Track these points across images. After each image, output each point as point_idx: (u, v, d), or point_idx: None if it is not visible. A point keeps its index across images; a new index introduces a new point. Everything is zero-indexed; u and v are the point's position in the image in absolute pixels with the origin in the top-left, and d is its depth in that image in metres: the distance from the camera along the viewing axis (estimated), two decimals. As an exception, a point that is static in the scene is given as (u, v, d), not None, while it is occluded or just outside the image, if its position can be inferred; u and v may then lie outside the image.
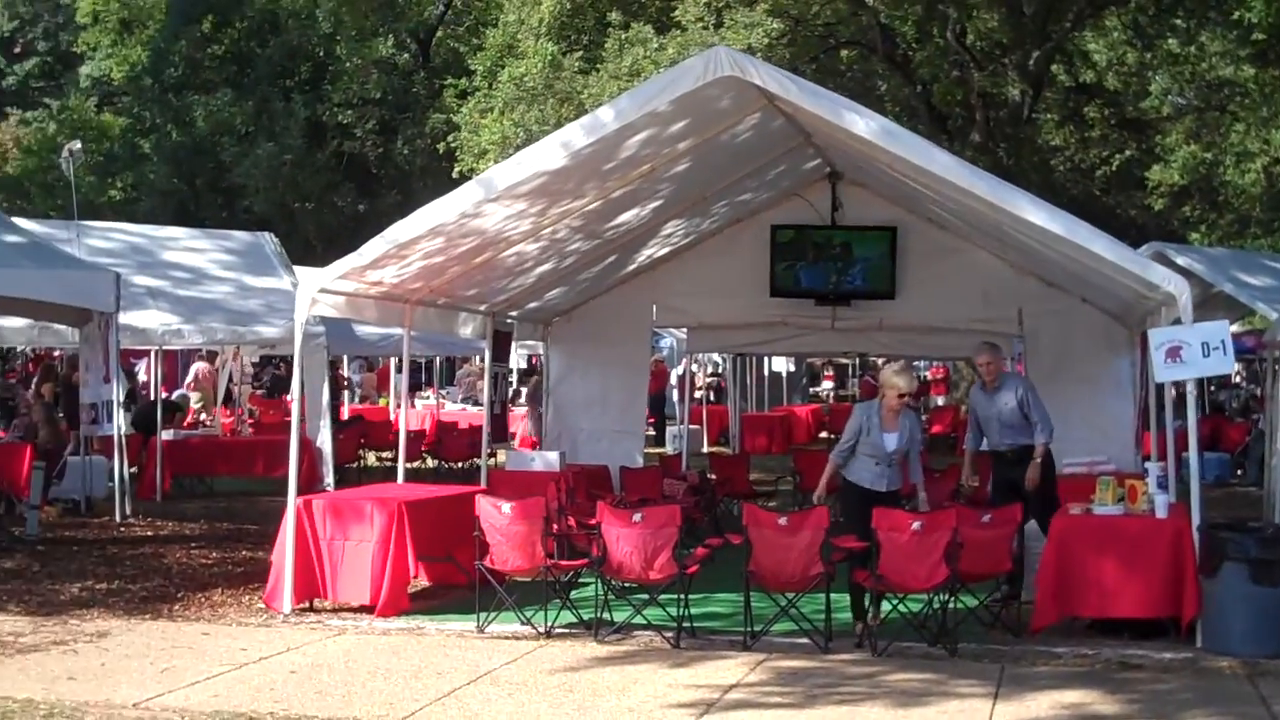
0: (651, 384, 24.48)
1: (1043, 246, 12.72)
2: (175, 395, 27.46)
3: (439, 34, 45.50)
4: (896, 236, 16.66)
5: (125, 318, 18.67)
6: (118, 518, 18.02)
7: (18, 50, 58.32)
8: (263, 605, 12.43)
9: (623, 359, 17.99)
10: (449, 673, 10.01)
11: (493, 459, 17.80)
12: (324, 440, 20.71)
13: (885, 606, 11.33)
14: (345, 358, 34.01)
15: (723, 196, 16.17)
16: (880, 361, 29.24)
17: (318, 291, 12.58)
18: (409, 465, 15.30)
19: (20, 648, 10.68)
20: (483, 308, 16.32)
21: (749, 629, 11.11)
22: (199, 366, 29.00)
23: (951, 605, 11.09)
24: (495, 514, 11.64)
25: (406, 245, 12.42)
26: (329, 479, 20.19)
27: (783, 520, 11.21)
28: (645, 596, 11.53)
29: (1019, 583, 12.02)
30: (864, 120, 11.31)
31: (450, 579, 13.06)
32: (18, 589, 13.22)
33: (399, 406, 27.56)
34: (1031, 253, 14.18)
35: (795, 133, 14.23)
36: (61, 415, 20.67)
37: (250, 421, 27.60)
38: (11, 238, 18.47)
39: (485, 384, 17.98)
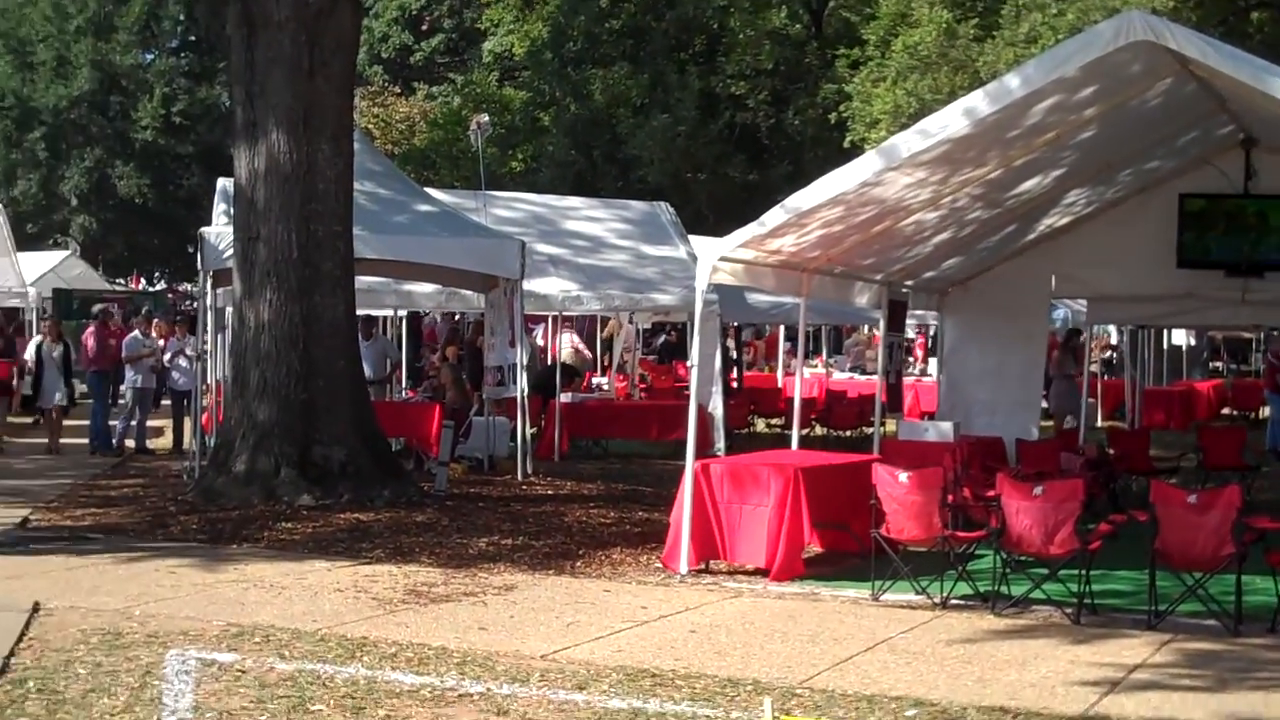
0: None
1: None
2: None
3: (831, 4, 45.37)
4: (1316, 206, 15.80)
5: (528, 284, 19.30)
6: (519, 476, 18.67)
7: (425, 27, 60.80)
8: (660, 565, 12.68)
9: (1019, 330, 17.61)
10: (845, 639, 10.03)
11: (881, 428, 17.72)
12: (716, 406, 20.99)
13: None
14: (735, 325, 34.36)
15: (1129, 164, 15.66)
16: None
17: (718, 259, 12.73)
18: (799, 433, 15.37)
19: (433, 597, 11.18)
20: (879, 277, 16.24)
21: (1153, 608, 10.77)
22: (568, 336, 29.77)
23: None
24: (893, 483, 11.59)
25: (806, 214, 12.46)
26: (720, 444, 20.45)
27: (1192, 498, 10.83)
28: (1044, 571, 11.29)
29: None
30: (1290, 85, 10.74)
31: (842, 546, 13.09)
32: (429, 542, 13.84)
33: (789, 374, 27.77)
34: None
35: (1208, 98, 13.65)
36: (464, 377, 21.53)
37: (642, 386, 28.17)
38: (425, 207, 19.38)
39: (879, 353, 17.90)
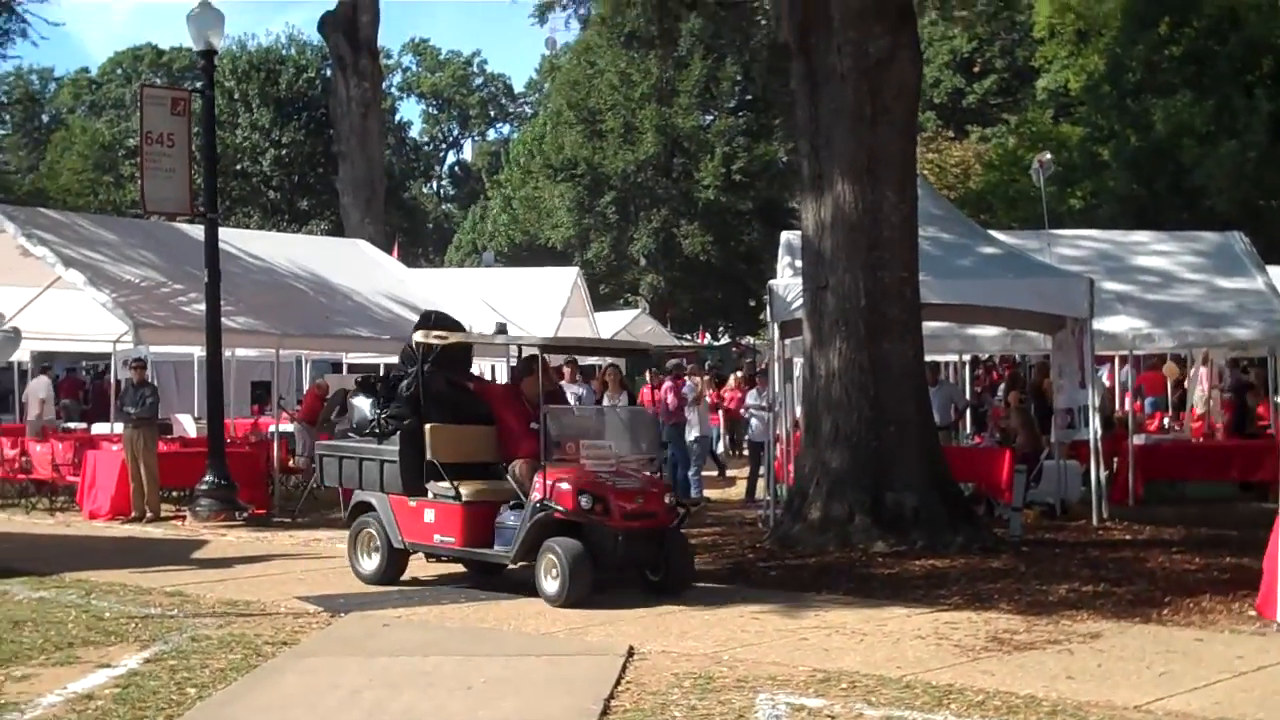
0: None
1: None
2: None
3: None
4: None
5: (1095, 323, 18.84)
6: (1094, 521, 18.21)
7: (976, 69, 60.59)
8: (1255, 613, 12.03)
9: None
10: None
11: None
12: (1304, 446, 19.86)
13: None
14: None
15: None
16: None
17: (1307, 290, 12.07)
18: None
19: (1016, 645, 11.00)
20: None
21: None
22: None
23: None
24: None
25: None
26: (1310, 485, 19.34)
27: None
28: None
29: None
30: None
31: None
32: (1007, 588, 13.63)
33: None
34: None
35: None
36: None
37: (1218, 426, 26.93)
38: (988, 249, 19.26)
39: None
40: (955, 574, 14.47)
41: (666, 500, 13.59)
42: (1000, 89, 60.22)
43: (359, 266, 26.86)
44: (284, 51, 73.87)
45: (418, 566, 14.80)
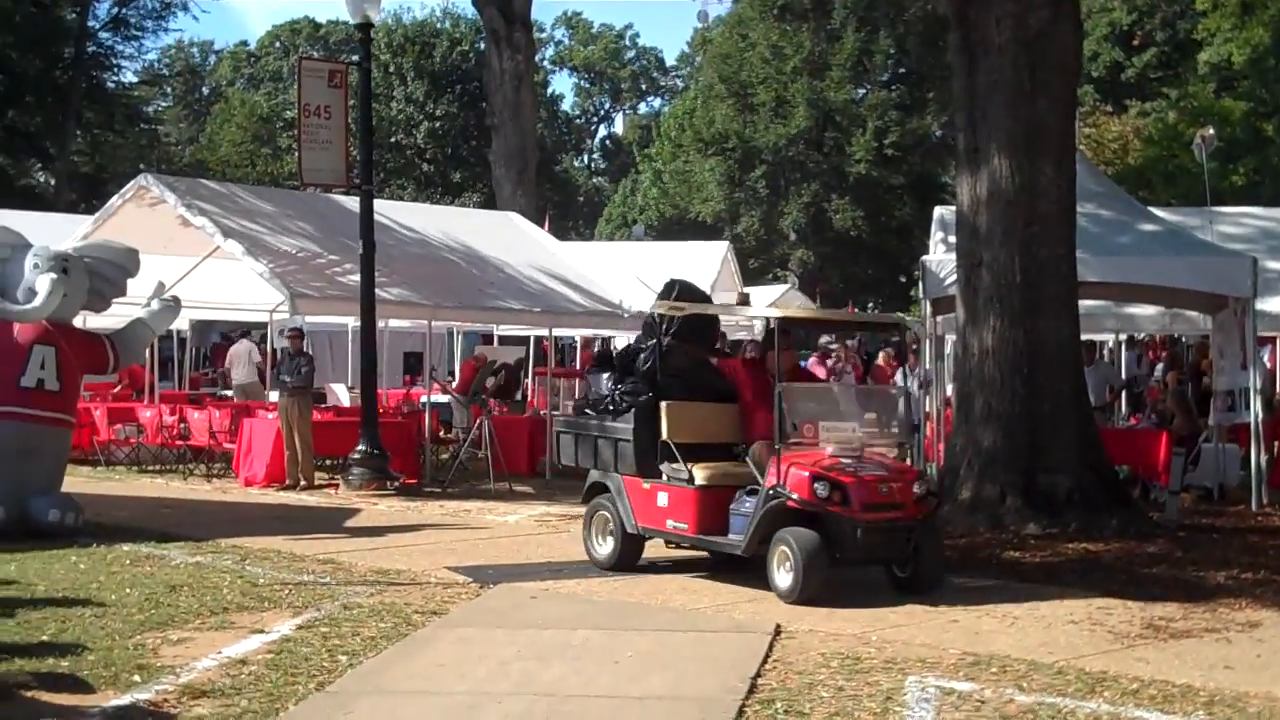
0: None
1: None
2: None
3: None
4: None
5: (1259, 303, 18.40)
6: (1253, 506, 17.79)
7: (1136, 42, 59.34)
8: None
9: None
10: None
11: None
12: None
13: None
14: None
15: None
16: None
17: None
18: None
19: (1172, 633, 10.75)
20: None
21: None
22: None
23: None
24: None
25: None
26: None
27: None
28: None
29: None
30: None
31: None
32: (1163, 574, 13.34)
33: None
34: None
35: None
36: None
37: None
38: (1148, 226, 18.87)
39: None
40: (1109, 558, 14.20)
41: (916, 489, 12.32)
42: (1160, 62, 58.92)
43: (511, 239, 26.98)
44: (439, 25, 74.63)
45: (657, 552, 14.09)
